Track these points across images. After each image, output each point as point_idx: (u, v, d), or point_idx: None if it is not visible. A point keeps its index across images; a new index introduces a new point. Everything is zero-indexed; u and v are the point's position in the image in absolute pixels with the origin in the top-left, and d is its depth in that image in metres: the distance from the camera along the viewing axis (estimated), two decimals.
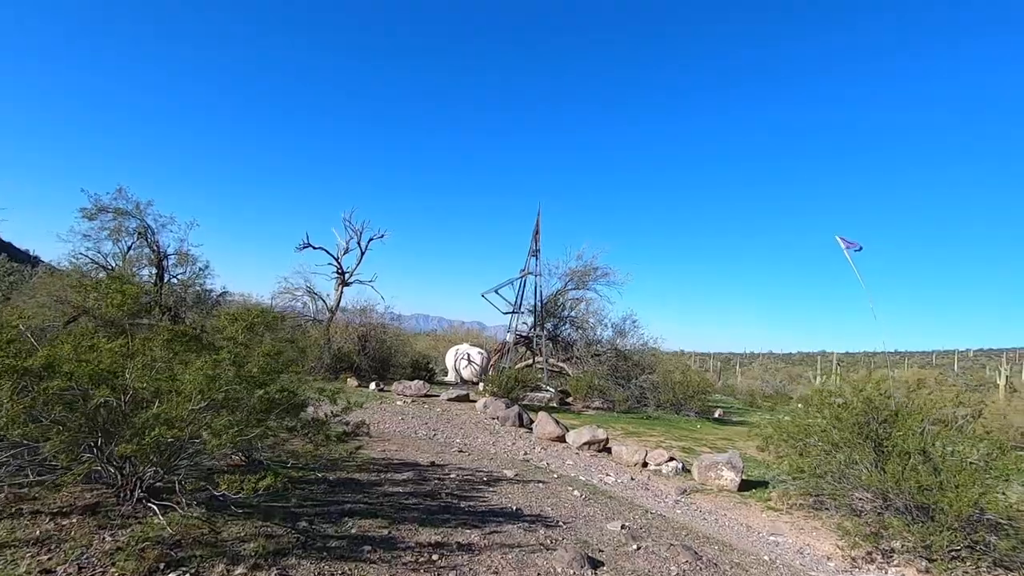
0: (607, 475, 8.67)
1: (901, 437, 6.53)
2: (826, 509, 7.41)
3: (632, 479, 8.60)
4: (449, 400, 15.59)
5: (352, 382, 16.89)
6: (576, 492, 6.88)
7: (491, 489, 6.42)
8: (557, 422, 11.22)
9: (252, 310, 6.81)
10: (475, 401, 15.32)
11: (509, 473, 7.40)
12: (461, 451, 9.00)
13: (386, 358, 20.45)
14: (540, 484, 7.09)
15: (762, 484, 8.85)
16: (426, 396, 15.99)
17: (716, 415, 18.75)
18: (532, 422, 12.23)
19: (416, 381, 16.50)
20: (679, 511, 7.12)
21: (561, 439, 10.96)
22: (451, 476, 6.83)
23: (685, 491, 8.04)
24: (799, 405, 13.07)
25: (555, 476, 7.83)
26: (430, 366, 22.09)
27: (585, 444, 10.38)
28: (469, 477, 6.93)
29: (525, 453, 9.77)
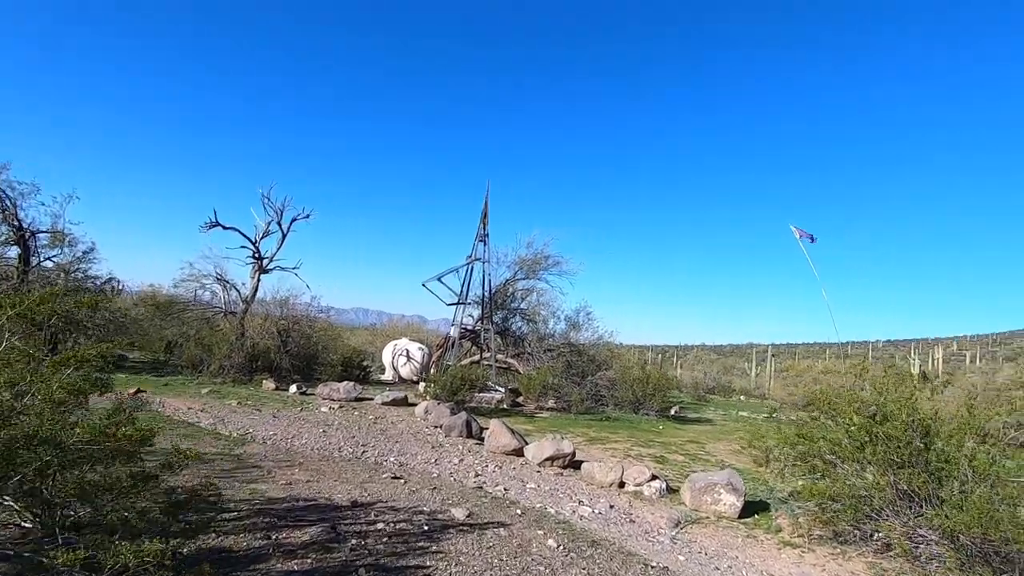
0: (581, 503, 6.95)
1: (968, 460, 5.14)
2: (852, 542, 5.99)
3: (612, 507, 6.91)
4: (384, 404, 13.48)
5: (269, 385, 14.42)
6: (551, 541, 5.08)
7: (435, 549, 4.51)
8: (513, 432, 9.42)
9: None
10: (415, 405, 13.29)
11: (459, 513, 5.51)
12: (396, 477, 7.02)
13: (312, 356, 17.99)
14: (501, 530, 5.24)
15: (761, 505, 7.40)
16: (357, 400, 13.80)
17: (672, 412, 17.60)
18: (482, 431, 10.38)
19: (346, 382, 14.26)
20: (682, 557, 5.47)
21: (518, 453, 9.16)
22: (377, 527, 4.86)
23: (679, 523, 6.43)
24: (803, 411, 11.79)
25: (518, 512, 6.00)
26: (364, 364, 19.75)
27: (548, 460, 8.63)
28: (404, 527, 4.98)
29: (477, 475, 7.90)
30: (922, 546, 5.11)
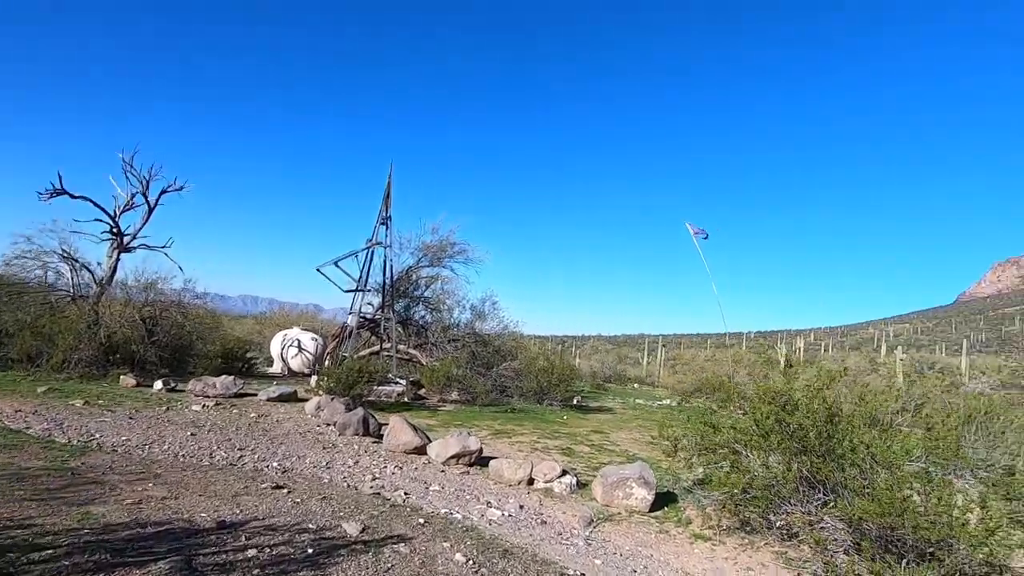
0: (490, 505, 6.43)
1: (866, 447, 5.23)
2: (759, 531, 6.00)
3: (522, 508, 6.47)
4: (270, 401, 12.13)
5: (128, 380, 12.45)
6: (459, 555, 4.49)
7: None
8: (415, 429, 8.69)
9: None
10: (305, 400, 12.09)
11: (352, 528, 4.76)
12: (278, 486, 6.07)
13: (184, 347, 15.94)
14: (401, 546, 4.57)
15: (670, 497, 7.32)
16: (237, 396, 12.31)
17: (575, 402, 17.72)
18: (381, 428, 9.55)
19: (224, 377, 12.67)
20: (599, 561, 5.13)
21: (421, 451, 8.47)
22: (248, 555, 3.99)
23: (591, 522, 6.13)
24: (711, 399, 12.04)
25: (421, 521, 5.35)
26: (248, 356, 17.91)
27: (453, 458, 8.03)
28: (283, 551, 4.15)
29: (374, 478, 7.11)
30: (828, 532, 5.15)
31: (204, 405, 11.05)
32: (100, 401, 10.64)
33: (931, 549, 4.63)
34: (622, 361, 59.75)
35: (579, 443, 11.15)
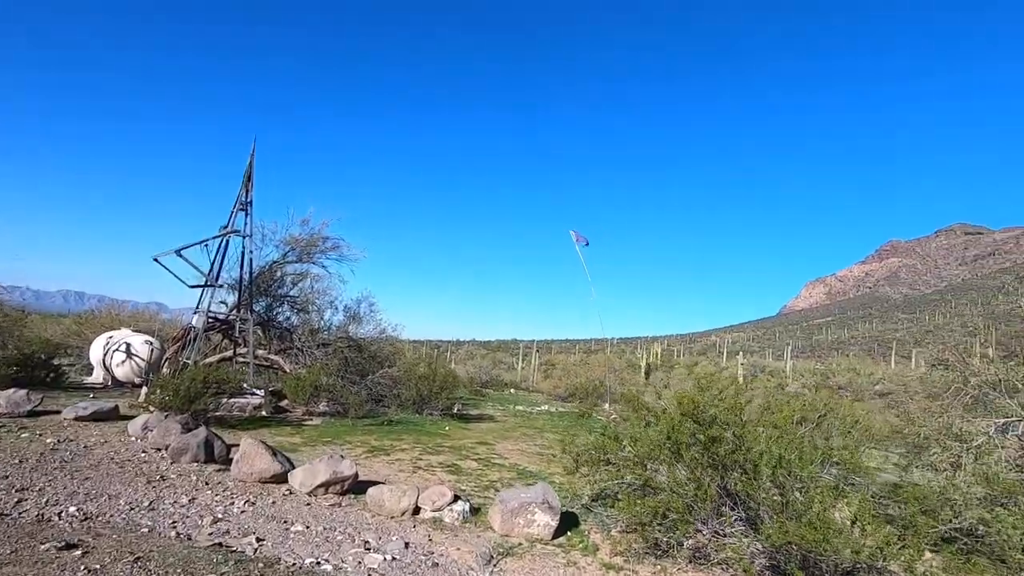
0: (368, 547, 5.27)
1: (776, 462, 4.95)
2: (670, 554, 5.53)
3: (407, 546, 5.39)
4: (79, 420, 9.68)
5: None
6: None
7: None
8: (274, 452, 7.18)
9: None
10: (131, 418, 9.80)
11: None
12: (70, 546, 4.41)
13: None
14: None
15: (571, 519, 6.68)
16: (32, 415, 9.68)
17: (455, 411, 16.79)
18: (231, 451, 7.85)
19: (14, 391, 9.89)
20: None
21: (281, 479, 7.00)
22: None
23: (491, 559, 5.24)
24: (617, 412, 11.70)
25: None
26: (54, 362, 14.55)
27: (322, 487, 6.69)
28: None
29: (216, 521, 5.59)
30: (744, 553, 4.77)
31: None
32: None
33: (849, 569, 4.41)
34: (496, 366, 60.04)
35: (465, 458, 10.23)
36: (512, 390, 41.23)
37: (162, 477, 6.87)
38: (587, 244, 24.01)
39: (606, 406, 29.44)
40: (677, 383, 34.41)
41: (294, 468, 7.13)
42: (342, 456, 7.09)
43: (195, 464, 7.51)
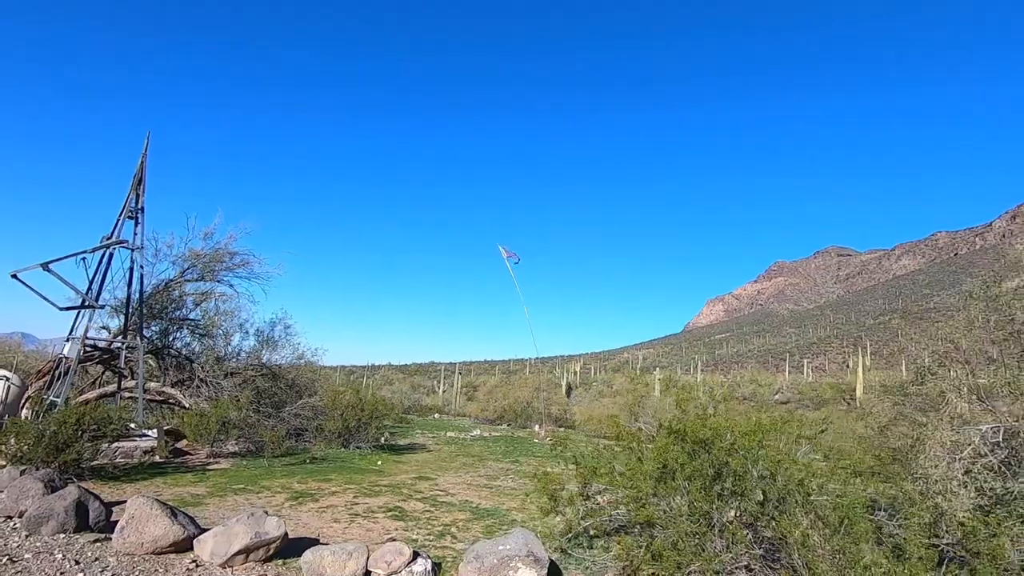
0: None
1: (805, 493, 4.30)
2: None
3: None
4: None
5: None
6: None
7: None
8: (173, 512, 5.63)
9: None
10: None
11: None
12: None
13: None
14: None
15: (554, 569, 5.70)
16: None
17: (382, 441, 15.26)
18: (112, 514, 6.15)
19: None
20: None
21: (184, 547, 5.47)
22: None
23: None
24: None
25: None
26: None
27: (240, 554, 5.26)
28: None
29: None
30: None
31: None
32: None
33: None
34: (416, 390, 57.97)
35: (408, 498, 8.96)
36: (437, 415, 39.58)
37: (12, 560, 5.11)
38: (518, 261, 23.47)
39: (536, 427, 28.77)
40: (605, 403, 34.41)
41: (201, 531, 5.62)
42: (266, 511, 5.67)
43: (62, 535, 5.75)
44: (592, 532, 5.97)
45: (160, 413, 14.21)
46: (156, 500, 5.67)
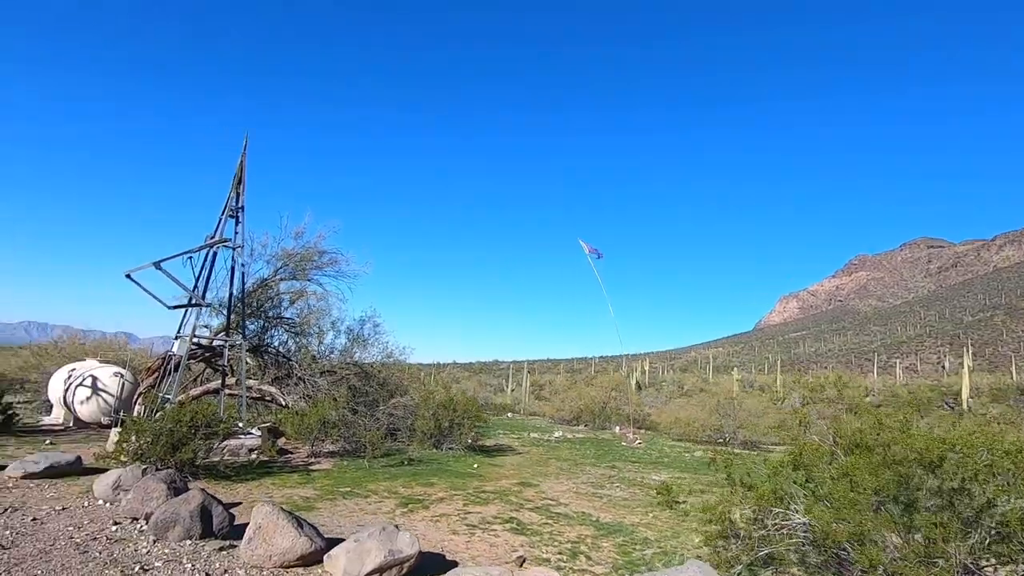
0: None
1: None
2: None
3: None
4: (28, 478, 7.57)
5: None
6: None
7: None
8: (298, 523, 5.24)
9: None
10: (98, 472, 7.72)
11: None
12: None
13: None
14: None
15: None
16: None
17: (469, 441, 14.76)
18: (233, 520, 5.87)
19: None
20: None
21: (311, 561, 5.07)
22: None
23: None
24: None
25: None
26: (4, 401, 12.22)
27: (374, 572, 4.77)
28: None
29: None
30: None
31: None
32: None
33: None
34: (483, 389, 57.89)
35: (519, 507, 8.35)
36: (510, 414, 39.10)
37: (143, 568, 4.86)
38: (600, 257, 22.49)
39: (617, 429, 27.65)
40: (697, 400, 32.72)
41: (326, 543, 5.20)
42: (396, 526, 5.18)
43: (188, 542, 5.50)
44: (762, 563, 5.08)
45: (255, 411, 14.42)
46: (282, 509, 5.31)
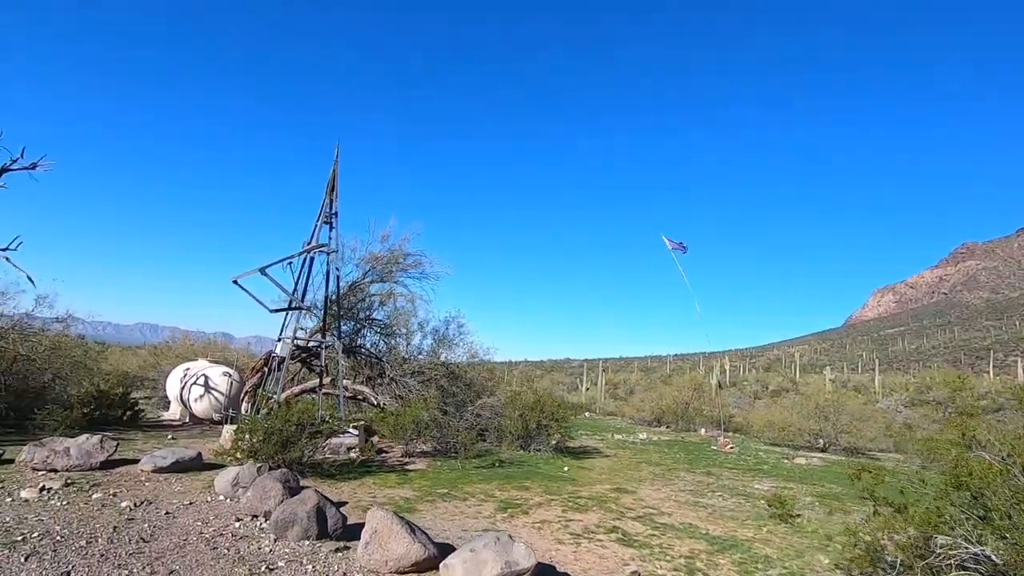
0: None
1: None
2: None
3: None
4: (158, 472, 8.12)
5: None
6: None
7: None
8: (412, 529, 5.23)
9: None
10: (216, 468, 8.20)
11: None
12: None
13: (36, 390, 11.32)
14: None
15: None
16: (105, 466, 8.19)
17: (554, 443, 14.48)
18: (344, 522, 5.96)
19: (86, 437, 8.42)
20: None
21: (424, 568, 5.03)
22: None
23: None
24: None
25: None
26: (130, 398, 13.35)
27: None
28: None
29: None
30: None
31: (43, 488, 6.91)
32: None
33: None
34: (555, 386, 57.35)
35: (621, 516, 8.02)
36: (587, 414, 38.53)
37: (268, 567, 5.00)
38: (686, 251, 21.57)
39: (702, 431, 26.47)
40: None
41: (439, 550, 5.14)
42: (510, 536, 5.04)
43: (306, 542, 5.64)
44: None
45: (347, 410, 14.95)
46: (395, 514, 5.31)
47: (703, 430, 26.74)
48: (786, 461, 15.97)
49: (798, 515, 8.58)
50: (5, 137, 10.52)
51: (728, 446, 18.69)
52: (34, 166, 10.97)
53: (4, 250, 11.17)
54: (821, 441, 20.84)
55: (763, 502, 9.64)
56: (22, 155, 10.71)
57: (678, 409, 29.70)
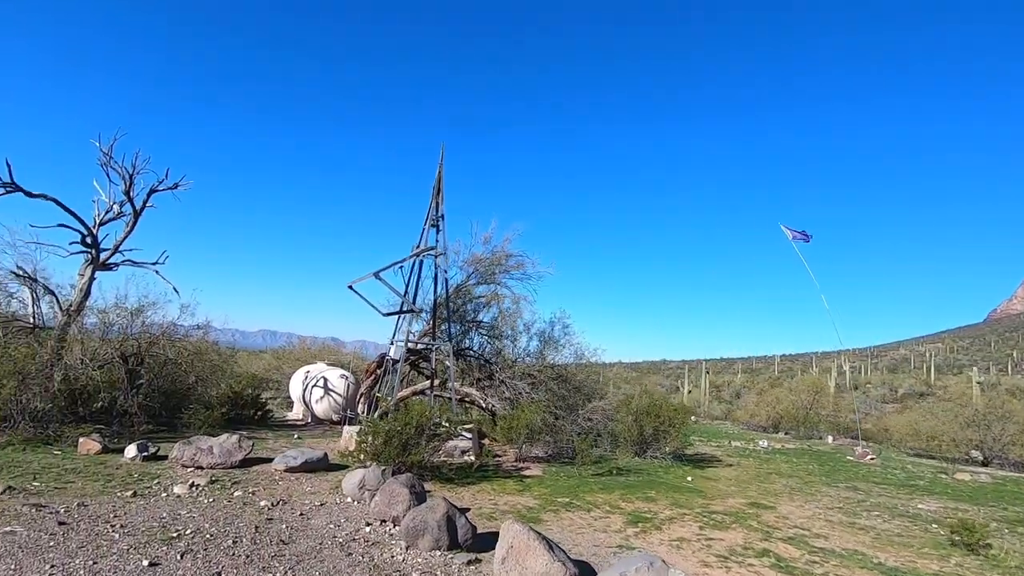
0: None
1: None
2: None
3: None
4: (289, 471, 8.41)
5: (89, 445, 8.79)
6: None
7: None
8: (550, 546, 4.83)
9: None
10: (340, 469, 8.35)
11: None
12: None
13: (180, 393, 12.34)
14: None
15: None
16: (243, 465, 8.62)
17: (667, 450, 13.52)
18: (473, 531, 5.69)
19: (226, 437, 8.92)
20: None
21: None
22: None
23: None
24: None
25: None
26: (261, 399, 14.24)
27: None
28: None
29: None
30: None
31: (192, 484, 7.32)
32: (35, 483, 7.01)
33: None
34: (654, 390, 54.99)
35: (767, 536, 7.14)
36: (693, 418, 36.55)
37: (402, 572, 4.82)
38: (808, 240, 19.62)
39: (830, 439, 24.03)
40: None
41: (579, 569, 4.69)
42: (663, 560, 4.49)
43: (436, 552, 5.42)
44: None
45: (456, 412, 15.00)
46: (532, 529, 4.94)
47: (831, 438, 24.28)
48: (944, 476, 13.89)
49: (987, 544, 7.22)
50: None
51: (868, 456, 16.67)
52: (176, 186, 11.99)
53: (155, 264, 12.29)
54: (979, 454, 18.06)
55: (935, 526, 8.28)
56: (167, 176, 11.70)
57: (798, 414, 27.23)
